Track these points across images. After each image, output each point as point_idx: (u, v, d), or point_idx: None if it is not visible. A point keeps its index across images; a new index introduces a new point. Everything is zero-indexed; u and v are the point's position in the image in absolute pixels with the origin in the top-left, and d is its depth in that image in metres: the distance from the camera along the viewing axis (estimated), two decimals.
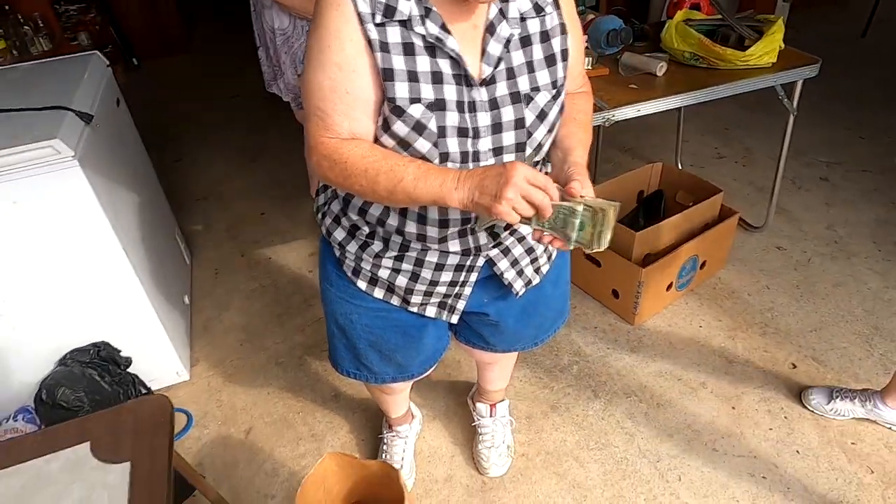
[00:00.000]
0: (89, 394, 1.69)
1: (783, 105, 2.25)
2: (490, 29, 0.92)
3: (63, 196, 1.55)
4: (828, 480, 1.67)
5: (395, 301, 1.20)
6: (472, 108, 0.92)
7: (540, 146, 1.01)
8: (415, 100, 0.89)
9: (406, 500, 1.23)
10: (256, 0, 2.21)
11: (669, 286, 2.19)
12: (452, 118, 0.91)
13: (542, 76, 0.97)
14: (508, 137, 0.96)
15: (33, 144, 1.46)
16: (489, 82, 0.93)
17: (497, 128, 0.94)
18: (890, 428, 1.78)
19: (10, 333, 1.70)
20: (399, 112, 0.89)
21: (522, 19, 0.95)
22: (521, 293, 1.22)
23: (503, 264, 1.16)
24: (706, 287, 2.35)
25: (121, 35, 4.54)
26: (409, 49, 0.88)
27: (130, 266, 1.74)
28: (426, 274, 1.13)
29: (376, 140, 0.95)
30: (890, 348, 2.05)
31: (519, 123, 0.95)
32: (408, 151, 0.92)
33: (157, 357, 1.96)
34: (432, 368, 1.39)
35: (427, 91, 0.89)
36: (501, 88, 0.94)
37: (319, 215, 1.20)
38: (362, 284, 1.18)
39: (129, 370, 1.87)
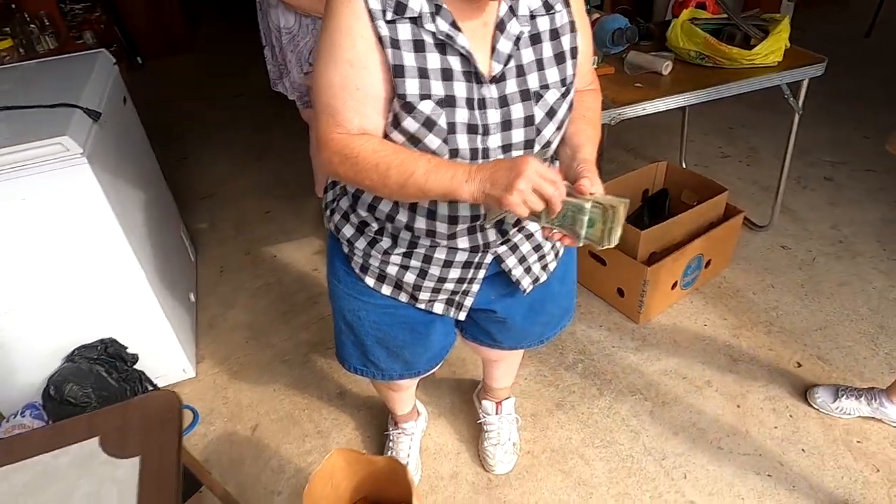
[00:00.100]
0: (97, 390, 1.69)
1: (788, 104, 2.25)
2: (500, 26, 0.93)
3: (71, 193, 1.56)
4: (833, 478, 1.67)
5: (403, 298, 1.20)
6: (482, 104, 0.92)
7: (549, 143, 1.01)
8: (425, 96, 0.89)
9: (414, 495, 1.24)
10: None
11: (674, 285, 2.19)
12: (462, 115, 0.91)
13: (552, 74, 0.97)
14: (518, 134, 0.96)
15: (42, 141, 1.47)
16: (499, 79, 0.93)
17: (507, 125, 0.95)
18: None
19: (19, 329, 1.71)
20: (409, 108, 0.89)
21: (532, 17, 0.95)
22: (528, 290, 1.22)
23: (511, 261, 1.16)
24: (711, 286, 2.35)
25: (125, 34, 4.56)
26: (419, 46, 0.88)
27: (137, 263, 1.75)
28: (434, 271, 1.13)
29: (386, 136, 0.95)
30: (895, 347, 2.05)
31: (528, 121, 0.96)
32: (418, 147, 0.93)
33: (164, 354, 1.97)
34: (439, 365, 1.40)
35: (437, 88, 0.89)
36: (511, 86, 0.94)
37: (328, 212, 1.21)
38: (370, 281, 1.19)
39: (135, 367, 1.88)
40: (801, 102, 2.25)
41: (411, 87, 0.88)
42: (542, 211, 0.85)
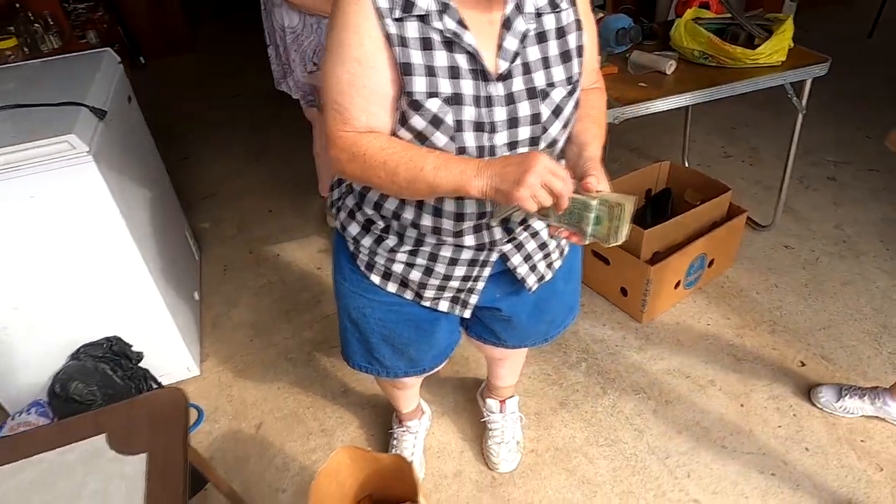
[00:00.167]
0: (102, 388, 1.70)
1: (791, 104, 2.25)
2: (506, 24, 0.93)
3: (78, 191, 1.56)
4: (837, 477, 1.68)
5: (409, 295, 1.21)
6: (489, 102, 0.93)
7: (555, 141, 1.01)
8: (432, 94, 0.89)
9: (420, 491, 1.24)
10: None
11: (678, 284, 2.20)
12: (469, 112, 0.91)
13: (558, 72, 0.97)
14: (524, 132, 0.96)
15: (49, 140, 1.47)
16: (505, 77, 0.93)
17: (513, 122, 0.95)
18: None
19: (25, 327, 1.71)
20: (417, 106, 0.90)
21: (538, 15, 0.96)
22: (533, 288, 1.23)
23: (516, 259, 1.16)
24: (714, 285, 2.35)
25: (127, 34, 4.56)
26: (427, 44, 0.89)
27: (143, 261, 1.75)
28: (440, 268, 1.14)
29: (393, 134, 0.95)
30: None
31: (535, 119, 0.96)
32: (425, 145, 0.93)
33: (168, 352, 1.98)
34: (444, 363, 1.40)
35: (445, 85, 0.90)
36: (517, 83, 0.94)
37: (334, 210, 1.21)
38: (376, 279, 1.19)
39: (140, 365, 1.88)
40: (804, 102, 2.25)
41: (419, 84, 0.89)
42: (549, 208, 0.85)
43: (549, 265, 1.23)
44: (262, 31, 2.32)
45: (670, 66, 2.12)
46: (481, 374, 2.00)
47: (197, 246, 2.64)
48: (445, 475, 1.74)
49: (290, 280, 2.50)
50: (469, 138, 0.93)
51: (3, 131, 1.52)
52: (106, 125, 1.67)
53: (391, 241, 1.12)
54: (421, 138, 0.93)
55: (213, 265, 2.61)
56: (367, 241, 1.15)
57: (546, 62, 0.96)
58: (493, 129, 0.94)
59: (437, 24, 0.88)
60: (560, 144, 1.04)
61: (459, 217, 1.02)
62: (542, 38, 0.96)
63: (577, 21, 0.99)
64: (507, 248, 1.14)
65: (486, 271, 1.16)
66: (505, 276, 1.20)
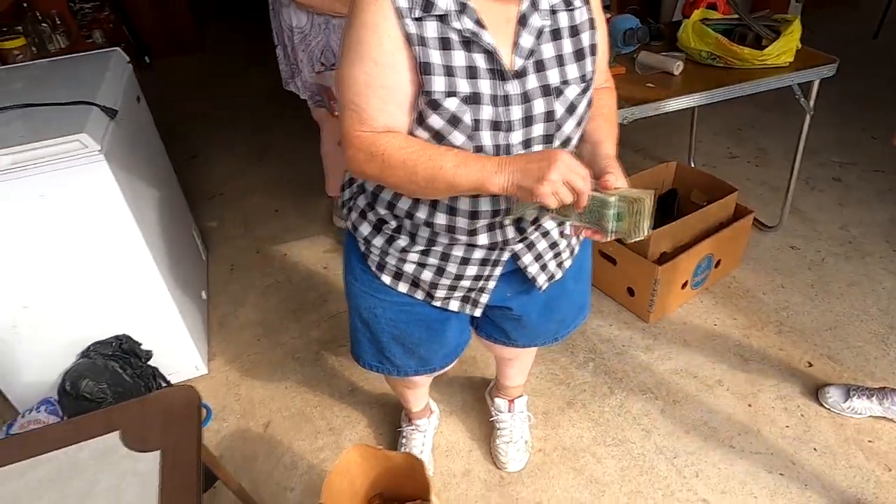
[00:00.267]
0: (112, 386, 1.70)
1: (797, 105, 2.25)
2: (522, 20, 0.93)
3: (89, 190, 1.57)
4: (846, 478, 1.68)
5: (420, 295, 1.21)
6: (506, 101, 0.93)
7: (568, 139, 1.02)
8: (451, 93, 0.90)
9: (432, 490, 1.24)
10: None
11: (685, 284, 2.20)
12: (487, 112, 0.92)
13: (572, 70, 0.98)
14: (538, 129, 0.97)
15: (61, 138, 1.48)
16: (520, 74, 0.94)
17: (528, 121, 0.95)
18: None
19: (35, 325, 1.72)
20: (435, 105, 0.90)
21: (553, 12, 0.96)
22: (544, 287, 1.23)
23: (527, 258, 1.17)
24: (721, 286, 2.35)
25: (133, 34, 4.57)
26: (445, 44, 0.89)
27: (152, 261, 1.76)
28: (451, 268, 1.14)
29: (410, 133, 0.96)
30: None
31: (549, 116, 0.96)
32: (442, 144, 0.93)
33: (176, 351, 1.98)
34: (454, 362, 1.41)
35: (463, 85, 0.90)
36: (532, 81, 0.95)
37: (345, 210, 1.22)
38: (387, 279, 1.19)
39: (149, 363, 1.89)
40: (812, 103, 2.26)
41: (438, 84, 0.89)
42: (568, 206, 0.86)
43: (560, 264, 1.24)
44: (264, 30, 2.32)
45: (678, 67, 2.12)
46: (489, 374, 2.00)
47: (204, 245, 2.64)
48: (454, 474, 1.74)
49: (296, 279, 2.51)
50: (486, 137, 0.93)
51: (13, 130, 1.53)
52: (117, 124, 1.68)
53: (403, 240, 1.12)
54: (438, 137, 0.93)
55: (220, 265, 2.62)
56: (378, 241, 1.15)
57: (560, 60, 0.97)
58: (509, 128, 0.94)
59: (456, 24, 0.89)
60: (574, 142, 1.04)
61: (474, 215, 1.02)
62: (556, 35, 0.96)
63: (591, 20, 1.00)
64: (519, 247, 1.14)
65: (498, 271, 1.16)
66: (515, 275, 1.20)
